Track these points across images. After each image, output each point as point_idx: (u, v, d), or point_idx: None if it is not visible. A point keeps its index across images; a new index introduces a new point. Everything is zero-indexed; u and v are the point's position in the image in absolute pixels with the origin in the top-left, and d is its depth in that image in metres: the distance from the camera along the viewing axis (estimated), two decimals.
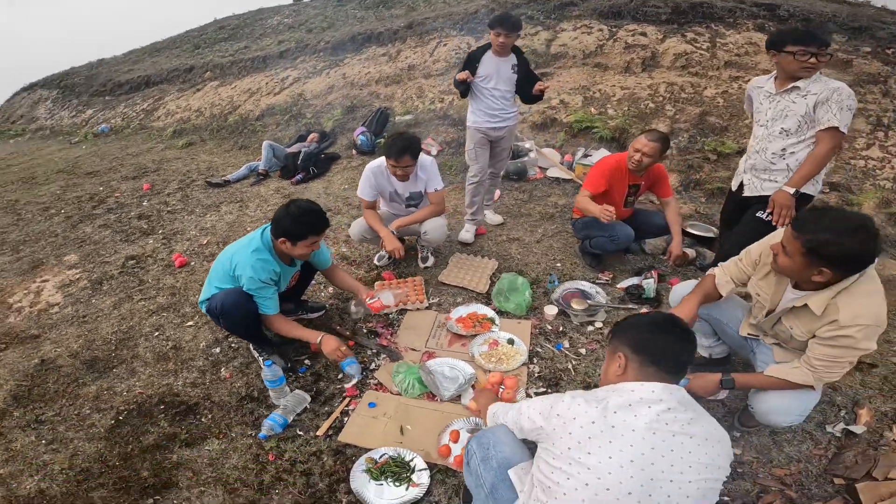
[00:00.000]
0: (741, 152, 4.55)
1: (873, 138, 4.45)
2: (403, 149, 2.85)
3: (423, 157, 3.10)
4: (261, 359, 2.50)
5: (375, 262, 3.52)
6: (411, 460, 1.96)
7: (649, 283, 2.94)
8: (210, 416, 2.26)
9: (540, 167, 5.04)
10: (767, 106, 2.53)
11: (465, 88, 3.36)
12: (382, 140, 5.96)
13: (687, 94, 5.50)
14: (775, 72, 2.51)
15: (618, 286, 3.13)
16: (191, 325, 2.97)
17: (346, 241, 3.84)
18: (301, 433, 2.15)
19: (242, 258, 2.29)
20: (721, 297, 2.04)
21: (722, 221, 3.15)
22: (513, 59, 3.29)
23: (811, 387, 1.72)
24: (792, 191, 2.40)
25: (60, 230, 4.67)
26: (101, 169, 6.79)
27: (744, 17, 6.19)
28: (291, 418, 2.21)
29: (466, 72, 3.26)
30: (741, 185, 2.76)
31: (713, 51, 5.86)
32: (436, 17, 7.96)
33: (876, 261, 1.58)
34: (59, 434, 2.20)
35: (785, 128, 2.45)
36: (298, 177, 5.52)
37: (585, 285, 3.07)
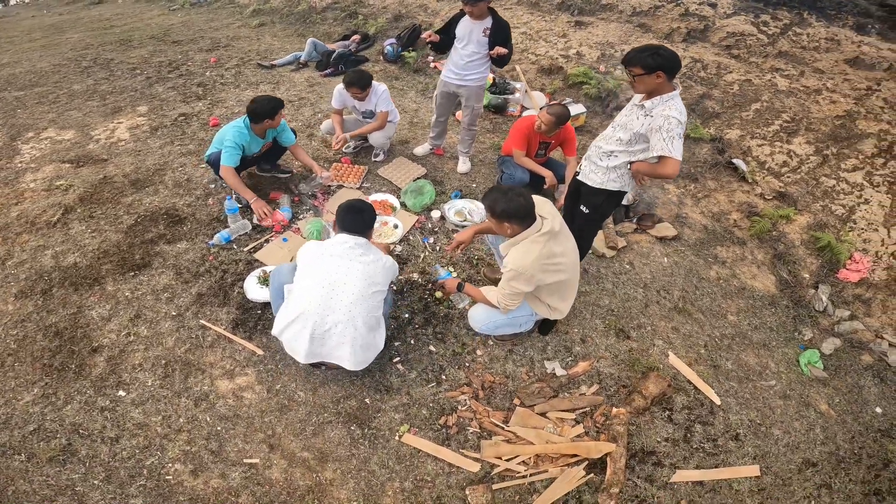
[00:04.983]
0: (713, 140, 4.78)
1: None
2: (351, 82, 3.77)
3: (377, 84, 3.95)
4: (232, 196, 3.68)
5: (344, 149, 4.49)
6: None
7: None
8: (189, 227, 3.55)
9: (523, 106, 5.52)
10: (625, 112, 2.63)
11: (440, 46, 3.71)
12: (407, 53, 6.60)
13: (705, 73, 5.36)
14: None
15: None
16: (204, 167, 4.20)
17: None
18: (236, 247, 3.39)
19: (228, 129, 3.44)
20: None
21: (567, 195, 3.26)
22: (488, 22, 3.52)
23: (496, 307, 2.55)
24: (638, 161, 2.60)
25: (140, 87, 6.03)
26: (185, 39, 7.99)
27: (851, 12, 5.55)
28: (234, 237, 3.44)
29: (430, 31, 3.70)
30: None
31: (777, 38, 5.52)
32: None
33: (535, 223, 2.29)
34: (99, 226, 3.57)
35: (622, 137, 2.60)
36: (328, 71, 6.42)
37: (475, 206, 3.82)
